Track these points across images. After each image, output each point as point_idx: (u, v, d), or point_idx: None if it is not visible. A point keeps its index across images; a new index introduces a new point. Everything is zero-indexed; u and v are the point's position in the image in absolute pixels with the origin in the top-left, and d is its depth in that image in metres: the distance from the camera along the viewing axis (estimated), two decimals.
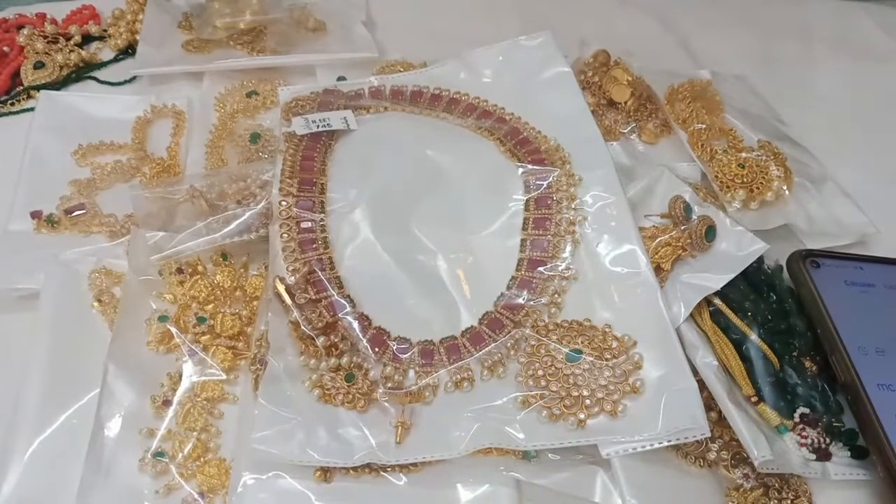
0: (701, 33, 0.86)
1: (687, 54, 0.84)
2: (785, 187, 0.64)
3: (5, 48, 0.74)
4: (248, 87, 0.72)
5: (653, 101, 0.73)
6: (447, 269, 0.55)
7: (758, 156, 0.65)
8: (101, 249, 0.57)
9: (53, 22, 0.77)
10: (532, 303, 0.53)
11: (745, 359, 0.51)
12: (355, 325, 0.51)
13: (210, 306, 0.54)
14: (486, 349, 0.51)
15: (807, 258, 0.56)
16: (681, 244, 0.55)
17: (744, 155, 0.65)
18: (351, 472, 0.46)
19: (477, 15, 0.86)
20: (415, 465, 0.46)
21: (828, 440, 0.49)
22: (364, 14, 0.81)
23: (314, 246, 0.55)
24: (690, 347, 0.51)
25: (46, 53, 0.74)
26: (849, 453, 0.49)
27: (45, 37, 0.76)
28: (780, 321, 0.53)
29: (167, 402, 0.50)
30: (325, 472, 0.46)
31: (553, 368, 0.49)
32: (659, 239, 0.56)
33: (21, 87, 0.72)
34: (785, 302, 0.55)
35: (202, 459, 0.48)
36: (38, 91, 0.71)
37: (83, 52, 0.76)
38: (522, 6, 0.87)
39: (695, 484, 0.48)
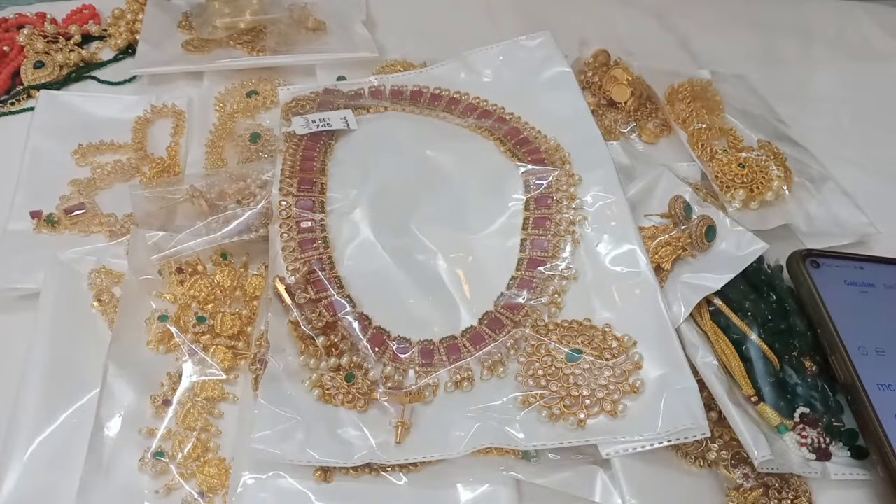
0: (701, 33, 0.86)
1: (687, 54, 0.84)
2: (785, 187, 0.64)
3: (5, 48, 0.74)
4: (248, 87, 0.72)
5: (653, 101, 0.73)
6: (447, 269, 0.55)
7: (758, 156, 0.65)
8: (101, 249, 0.57)
9: (53, 21, 0.77)
10: (532, 302, 0.53)
11: (745, 359, 0.51)
12: (355, 324, 0.51)
13: (210, 306, 0.54)
14: (486, 349, 0.51)
15: (807, 258, 0.56)
16: (681, 244, 0.55)
17: (744, 155, 0.65)
18: (351, 472, 0.46)
19: (477, 15, 0.86)
20: (415, 465, 0.46)
21: (828, 440, 0.49)
22: (364, 14, 0.81)
23: (314, 246, 0.55)
24: (690, 347, 0.51)
25: (46, 53, 0.74)
26: (849, 453, 0.49)
27: (45, 36, 0.76)
28: (780, 321, 0.53)
29: (167, 402, 0.50)
30: (325, 472, 0.46)
31: (553, 368, 0.49)
32: (659, 239, 0.56)
33: (21, 87, 0.72)
34: (785, 302, 0.55)
35: (202, 459, 0.48)
36: (38, 91, 0.71)
37: (83, 52, 0.76)
38: (522, 6, 0.87)
39: (695, 484, 0.48)
